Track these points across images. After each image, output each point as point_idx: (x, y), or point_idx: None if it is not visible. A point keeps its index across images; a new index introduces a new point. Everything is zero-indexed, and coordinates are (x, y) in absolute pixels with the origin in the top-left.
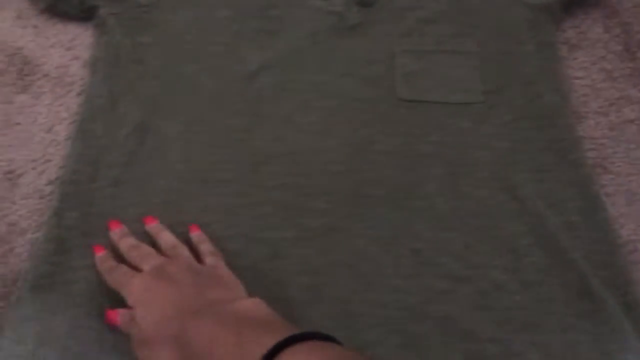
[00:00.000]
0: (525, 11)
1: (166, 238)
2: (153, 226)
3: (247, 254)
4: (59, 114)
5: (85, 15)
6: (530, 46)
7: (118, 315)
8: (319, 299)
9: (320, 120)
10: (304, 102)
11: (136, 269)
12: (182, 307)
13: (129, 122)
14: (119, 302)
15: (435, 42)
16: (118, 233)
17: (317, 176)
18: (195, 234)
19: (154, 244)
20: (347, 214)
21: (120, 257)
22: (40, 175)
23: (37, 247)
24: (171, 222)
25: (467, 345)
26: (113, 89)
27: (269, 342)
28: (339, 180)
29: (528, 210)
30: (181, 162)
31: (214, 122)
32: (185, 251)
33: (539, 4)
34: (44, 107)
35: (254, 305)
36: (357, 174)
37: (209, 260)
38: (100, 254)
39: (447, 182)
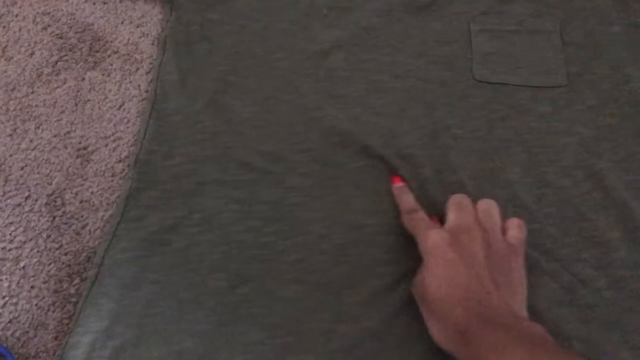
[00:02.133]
0: None
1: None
2: (398, 187)
3: (330, 237)
4: (129, 92)
5: None
6: (617, 27)
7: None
8: (398, 290)
9: (394, 102)
10: (376, 83)
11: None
12: (467, 291)
13: (200, 100)
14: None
15: (514, 21)
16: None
17: (395, 160)
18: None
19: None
20: (425, 200)
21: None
22: (112, 152)
23: (114, 225)
24: (248, 197)
25: None
26: (183, 67)
27: None
28: (417, 164)
29: (615, 201)
30: (258, 141)
31: (288, 101)
32: (496, 214)
33: None
34: (114, 84)
35: (541, 331)
36: (435, 158)
37: (511, 235)
38: (399, 184)
39: (530, 169)
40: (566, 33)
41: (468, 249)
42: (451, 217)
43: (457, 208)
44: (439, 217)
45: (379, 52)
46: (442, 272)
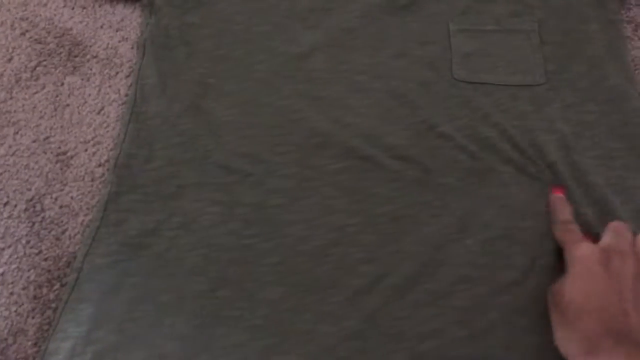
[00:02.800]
0: None
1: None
2: (556, 197)
3: (310, 238)
4: (109, 96)
5: None
6: (594, 25)
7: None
8: (380, 289)
9: (375, 103)
10: (357, 84)
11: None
12: (603, 304)
13: (180, 103)
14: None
15: (493, 21)
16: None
17: (379, 161)
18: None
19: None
20: (413, 201)
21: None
22: (92, 157)
23: (93, 230)
24: (228, 199)
25: (531, 338)
26: (162, 70)
27: None
28: (404, 165)
29: (596, 198)
30: (238, 143)
31: (268, 104)
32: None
33: None
34: (93, 89)
35: None
36: (423, 159)
37: None
38: (558, 195)
39: (521, 168)
40: (544, 32)
41: (616, 270)
42: (606, 238)
43: (614, 232)
44: (593, 237)
45: (359, 53)
46: (583, 282)
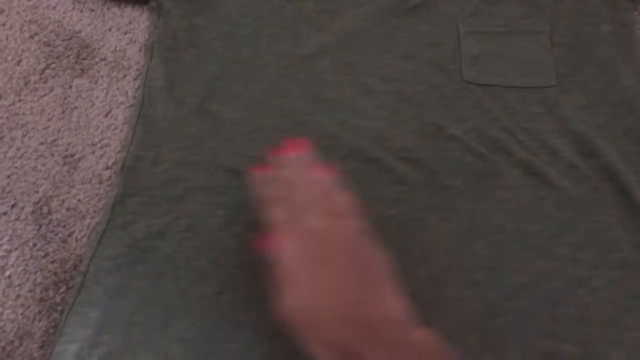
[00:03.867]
0: None
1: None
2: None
3: None
4: (116, 98)
5: None
6: (606, 27)
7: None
8: None
9: (383, 105)
10: (365, 86)
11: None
12: (339, 298)
13: (188, 106)
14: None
15: (503, 22)
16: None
17: (388, 163)
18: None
19: None
20: (421, 204)
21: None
22: (99, 159)
23: (100, 233)
24: (235, 202)
25: (545, 342)
26: (170, 73)
27: None
28: (412, 168)
29: (613, 201)
30: (246, 146)
31: (275, 106)
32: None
33: None
34: (101, 91)
35: (429, 338)
36: (431, 161)
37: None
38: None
39: (530, 170)
40: (555, 34)
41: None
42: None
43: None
44: None
45: (367, 56)
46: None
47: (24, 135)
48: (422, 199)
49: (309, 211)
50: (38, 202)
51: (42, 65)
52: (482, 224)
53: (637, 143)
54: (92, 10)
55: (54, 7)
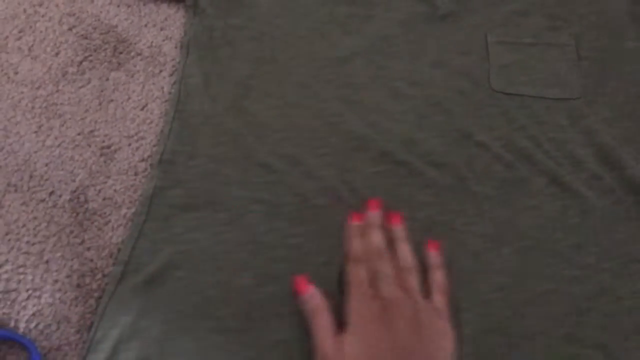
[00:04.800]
0: (628, 4)
1: (404, 254)
2: (372, 215)
3: None
4: (152, 93)
5: None
6: (631, 42)
7: (311, 297)
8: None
9: (412, 109)
10: (395, 90)
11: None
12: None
13: (222, 103)
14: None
15: (529, 34)
16: (372, 216)
17: (417, 166)
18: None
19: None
20: (449, 208)
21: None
22: (135, 152)
23: (139, 224)
24: (271, 198)
25: (569, 348)
26: (206, 70)
27: None
28: (441, 172)
29: (636, 213)
30: (279, 144)
31: (307, 106)
32: (414, 280)
33: None
34: (137, 85)
35: None
36: (459, 167)
37: (437, 300)
38: (355, 222)
39: (555, 179)
40: (581, 47)
41: (394, 323)
42: (378, 287)
43: (379, 276)
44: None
45: (397, 61)
46: (364, 341)
47: (61, 125)
48: (450, 203)
49: (388, 281)
50: (75, 191)
51: (80, 58)
52: (508, 230)
53: None
54: (129, 6)
55: (92, 1)
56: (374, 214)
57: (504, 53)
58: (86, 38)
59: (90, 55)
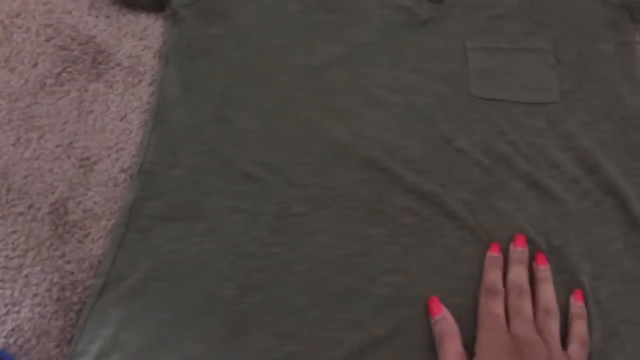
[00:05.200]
0: (603, 9)
1: (546, 296)
2: (518, 251)
3: (335, 248)
4: (131, 103)
5: (156, 5)
6: (608, 45)
7: (442, 319)
8: (404, 299)
9: (393, 116)
10: (375, 97)
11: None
12: None
13: (202, 112)
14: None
15: (508, 39)
16: (518, 252)
17: (400, 173)
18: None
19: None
20: (435, 213)
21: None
22: (115, 163)
23: (119, 235)
24: (251, 207)
25: None
26: (185, 80)
27: None
28: (423, 179)
29: (616, 215)
30: (259, 153)
31: (288, 114)
32: (554, 326)
33: (618, 1)
34: (116, 96)
35: None
36: (440, 173)
37: (574, 349)
38: (495, 254)
39: (534, 184)
40: (559, 51)
41: None
42: (516, 324)
43: (516, 314)
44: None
45: (377, 68)
46: None
47: (40, 137)
48: (433, 210)
49: (527, 320)
50: (54, 204)
51: (58, 69)
52: (494, 234)
53: (638, 159)
54: (108, 16)
55: (70, 12)
56: (521, 250)
57: (483, 59)
58: (65, 49)
59: (69, 67)
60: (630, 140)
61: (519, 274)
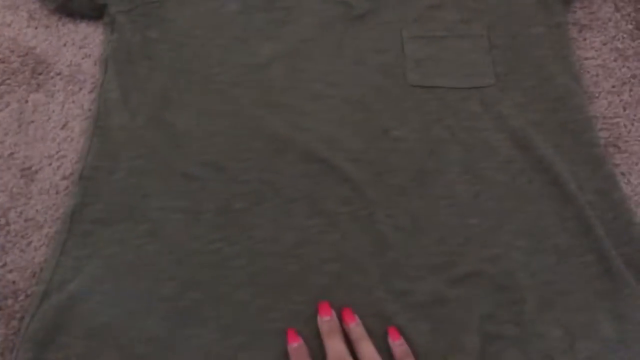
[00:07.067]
0: None
1: (369, 353)
2: (326, 322)
3: (275, 240)
4: (72, 111)
5: (95, 14)
6: (540, 28)
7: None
8: (344, 286)
9: (332, 109)
10: (315, 92)
11: None
12: None
13: (142, 116)
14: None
15: (443, 27)
16: (326, 324)
17: (337, 164)
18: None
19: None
20: (370, 202)
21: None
22: (56, 170)
23: (61, 242)
24: (192, 206)
25: (487, 325)
26: (124, 85)
27: None
28: (359, 168)
29: (550, 192)
30: (200, 152)
31: (227, 113)
32: None
33: None
34: (57, 105)
35: None
36: (376, 161)
37: None
38: (295, 344)
39: (468, 167)
40: (493, 36)
41: None
42: None
43: None
44: None
45: (316, 63)
46: None
47: None
48: (369, 197)
49: None
50: None
51: None
52: (425, 220)
53: (570, 137)
54: (47, 27)
55: (9, 25)
56: (328, 320)
57: (419, 47)
58: (3, 62)
59: (9, 79)
60: (563, 118)
61: (335, 345)
